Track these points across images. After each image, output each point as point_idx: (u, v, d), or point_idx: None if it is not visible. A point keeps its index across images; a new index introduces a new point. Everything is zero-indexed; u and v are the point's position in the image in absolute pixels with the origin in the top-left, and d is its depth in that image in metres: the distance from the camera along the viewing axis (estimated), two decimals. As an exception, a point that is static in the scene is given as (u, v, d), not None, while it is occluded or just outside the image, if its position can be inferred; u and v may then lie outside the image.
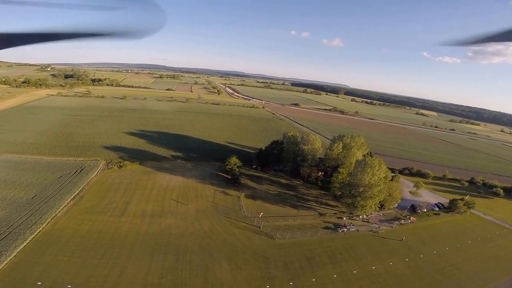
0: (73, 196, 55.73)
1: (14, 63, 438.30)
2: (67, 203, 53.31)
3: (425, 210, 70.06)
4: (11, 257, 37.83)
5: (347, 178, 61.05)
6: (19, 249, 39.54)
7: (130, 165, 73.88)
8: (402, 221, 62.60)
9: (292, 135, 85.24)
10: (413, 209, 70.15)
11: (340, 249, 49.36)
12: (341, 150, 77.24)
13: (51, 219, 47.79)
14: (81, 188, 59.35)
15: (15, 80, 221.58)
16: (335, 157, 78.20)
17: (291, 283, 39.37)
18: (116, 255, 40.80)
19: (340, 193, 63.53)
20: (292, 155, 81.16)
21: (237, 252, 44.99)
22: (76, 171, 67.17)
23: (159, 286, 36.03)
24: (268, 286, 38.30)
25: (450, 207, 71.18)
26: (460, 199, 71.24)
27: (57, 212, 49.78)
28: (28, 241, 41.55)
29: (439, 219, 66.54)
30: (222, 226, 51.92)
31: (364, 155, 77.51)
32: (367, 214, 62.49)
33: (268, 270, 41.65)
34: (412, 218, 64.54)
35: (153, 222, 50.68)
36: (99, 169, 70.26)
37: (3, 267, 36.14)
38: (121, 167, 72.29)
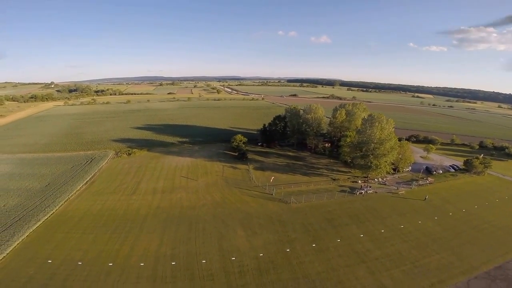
0: (85, 182, 56.11)
1: (18, 83, 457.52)
2: (80, 187, 53.68)
3: (441, 172, 67.46)
4: (23, 237, 37.58)
5: (356, 137, 58.91)
6: (31, 230, 39.44)
7: (139, 152, 74.41)
8: (421, 182, 60.32)
9: (294, 107, 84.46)
10: (428, 171, 67.74)
11: (362, 210, 47.21)
12: (345, 117, 75.90)
13: (64, 202, 48.10)
14: (92, 174, 59.78)
15: (22, 97, 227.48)
16: (340, 125, 76.87)
17: (314, 245, 37.06)
18: (128, 229, 39.96)
19: (350, 159, 61.71)
20: (297, 126, 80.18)
21: (252, 218, 43.57)
22: (87, 161, 67.81)
23: (172, 257, 34.23)
24: (288, 250, 35.99)
25: (466, 168, 68.40)
26: (475, 158, 68.45)
27: (69, 196, 50.09)
28: (41, 222, 41.71)
29: (458, 180, 63.79)
30: (234, 196, 51.06)
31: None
32: (382, 176, 60.36)
33: (286, 233, 39.77)
34: (429, 179, 62.17)
35: (164, 197, 50.28)
36: (109, 158, 70.77)
37: (15, 246, 35.74)
38: (130, 154, 72.85)
